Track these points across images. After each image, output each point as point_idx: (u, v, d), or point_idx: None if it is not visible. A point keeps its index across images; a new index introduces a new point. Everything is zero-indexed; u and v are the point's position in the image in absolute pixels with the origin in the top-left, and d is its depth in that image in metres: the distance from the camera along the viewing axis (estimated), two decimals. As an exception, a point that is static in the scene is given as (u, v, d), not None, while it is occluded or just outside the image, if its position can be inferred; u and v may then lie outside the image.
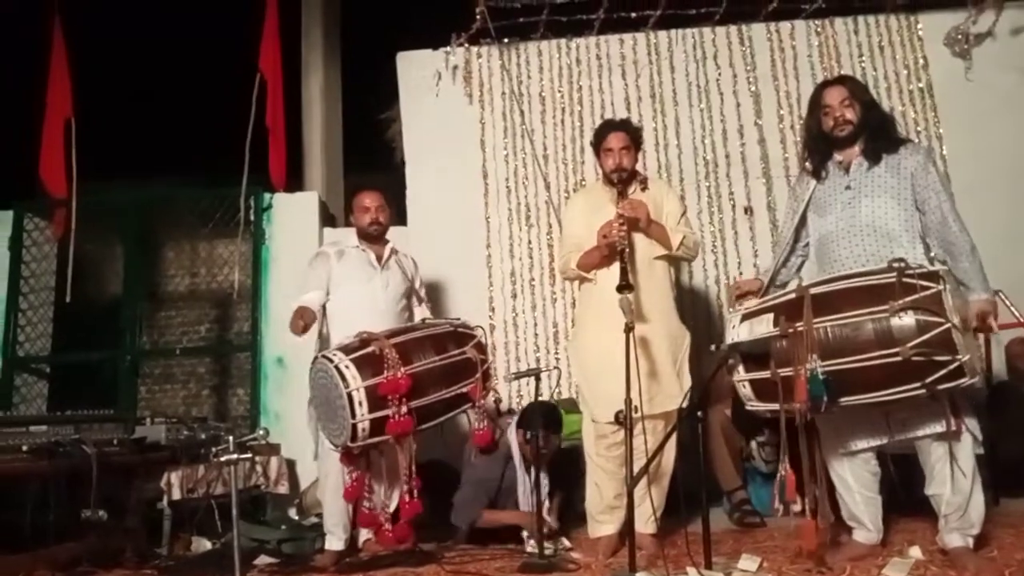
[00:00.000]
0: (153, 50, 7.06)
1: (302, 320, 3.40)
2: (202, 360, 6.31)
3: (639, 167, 3.48)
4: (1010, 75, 5.00)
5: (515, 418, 3.70)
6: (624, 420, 2.73)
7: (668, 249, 3.28)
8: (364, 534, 3.58)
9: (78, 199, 5.15)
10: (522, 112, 5.25)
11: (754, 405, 2.76)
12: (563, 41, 5.34)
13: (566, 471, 3.70)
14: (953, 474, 2.63)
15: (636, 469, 2.74)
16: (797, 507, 2.63)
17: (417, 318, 3.72)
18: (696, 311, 4.84)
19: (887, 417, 2.74)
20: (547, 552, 3.10)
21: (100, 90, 5.78)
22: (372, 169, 5.93)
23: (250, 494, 4.25)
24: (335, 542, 3.47)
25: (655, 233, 3.27)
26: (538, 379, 3.32)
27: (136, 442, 3.75)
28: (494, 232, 5.14)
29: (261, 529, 3.86)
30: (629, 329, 2.77)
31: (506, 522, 3.55)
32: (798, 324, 2.57)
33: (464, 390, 3.22)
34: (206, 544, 3.75)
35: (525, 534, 3.43)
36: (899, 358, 2.43)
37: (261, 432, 3.34)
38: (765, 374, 2.66)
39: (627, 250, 3.03)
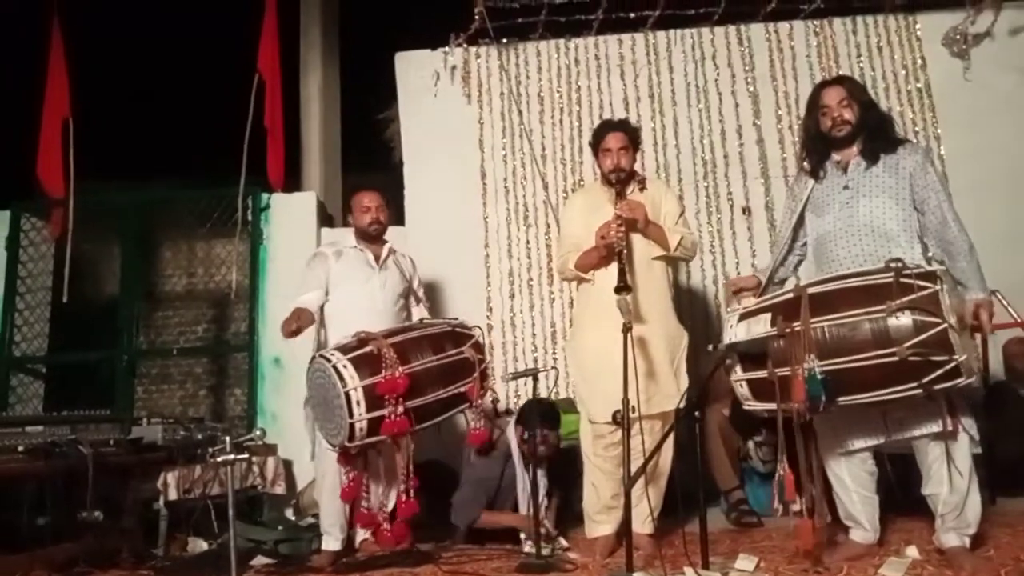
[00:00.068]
0: (151, 50, 7.06)
1: (296, 323, 3.39)
2: (199, 360, 6.32)
3: (637, 167, 3.47)
4: (1008, 75, 5.01)
5: (514, 417, 3.70)
6: (621, 420, 2.73)
7: (666, 250, 3.28)
8: (361, 534, 3.58)
9: (75, 199, 5.15)
10: (520, 112, 5.25)
11: (751, 405, 2.76)
12: (562, 41, 5.34)
13: (564, 471, 3.70)
14: (950, 474, 2.63)
15: (633, 469, 2.74)
16: (797, 507, 2.63)
17: (415, 318, 3.71)
18: (694, 311, 4.84)
19: (884, 417, 2.74)
20: (544, 552, 3.10)
21: (98, 90, 5.78)
22: (370, 169, 5.94)
23: (247, 494, 4.24)
24: (332, 542, 3.46)
25: (653, 234, 3.26)
26: (536, 379, 3.32)
27: (132, 442, 3.75)
28: (492, 232, 5.14)
29: (258, 530, 3.85)
30: (627, 329, 2.77)
31: (504, 524, 3.54)
32: (795, 324, 2.57)
33: (462, 390, 3.22)
34: (203, 545, 3.74)
35: (523, 536, 3.43)
36: (896, 358, 2.43)
37: (258, 432, 3.35)
38: (762, 374, 2.66)
39: (625, 251, 3.03)
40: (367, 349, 3.10)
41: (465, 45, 5.35)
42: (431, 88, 5.35)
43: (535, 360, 4.90)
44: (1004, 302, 3.85)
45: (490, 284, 5.06)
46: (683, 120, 5.18)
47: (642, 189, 3.38)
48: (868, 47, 5.19)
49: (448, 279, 4.99)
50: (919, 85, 5.10)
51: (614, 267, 2.99)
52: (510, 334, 4.99)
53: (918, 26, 5.17)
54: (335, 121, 6.34)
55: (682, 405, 3.06)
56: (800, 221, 3.05)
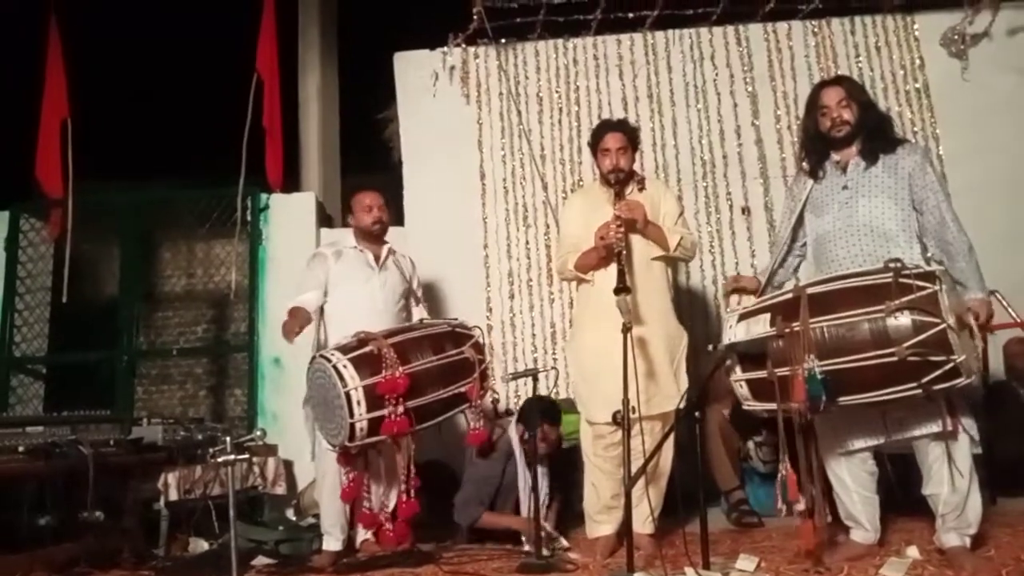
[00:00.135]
0: (150, 50, 7.06)
1: (296, 322, 3.38)
2: (199, 360, 6.31)
3: (636, 167, 3.47)
4: (1007, 75, 5.02)
5: (515, 416, 3.70)
6: (621, 421, 2.73)
7: (665, 250, 3.28)
8: (361, 534, 3.58)
9: (75, 199, 5.14)
10: (519, 112, 5.25)
11: (751, 405, 2.76)
12: (560, 41, 5.34)
13: (564, 471, 3.70)
14: (950, 474, 2.63)
15: (634, 470, 2.74)
16: (800, 507, 2.63)
17: (415, 318, 3.71)
18: (694, 311, 4.84)
19: (884, 417, 2.74)
20: (545, 553, 3.10)
21: (97, 90, 5.77)
22: (369, 169, 5.94)
23: (247, 495, 4.24)
24: (332, 542, 3.46)
25: (652, 234, 3.26)
26: (536, 379, 3.32)
27: (133, 443, 3.75)
28: (491, 232, 5.14)
29: (258, 530, 3.85)
30: (627, 330, 2.77)
31: (505, 526, 3.55)
32: (795, 324, 2.57)
33: (462, 390, 3.22)
34: (203, 545, 3.74)
35: (524, 537, 3.43)
36: (895, 358, 2.43)
37: (258, 433, 3.34)
38: (762, 374, 2.66)
39: (624, 251, 3.03)
40: (367, 349, 3.10)
41: (464, 45, 5.35)
42: (430, 88, 5.35)
43: (535, 361, 4.90)
44: (1004, 302, 3.85)
45: (489, 284, 5.06)
46: (682, 120, 5.19)
47: (641, 189, 3.38)
48: (866, 47, 5.20)
49: (448, 279, 4.99)
50: (917, 85, 5.11)
51: (614, 268, 2.99)
52: (510, 334, 4.99)
53: (916, 26, 5.17)
54: (334, 121, 6.34)
55: (682, 405, 3.06)
56: (799, 221, 3.06)
